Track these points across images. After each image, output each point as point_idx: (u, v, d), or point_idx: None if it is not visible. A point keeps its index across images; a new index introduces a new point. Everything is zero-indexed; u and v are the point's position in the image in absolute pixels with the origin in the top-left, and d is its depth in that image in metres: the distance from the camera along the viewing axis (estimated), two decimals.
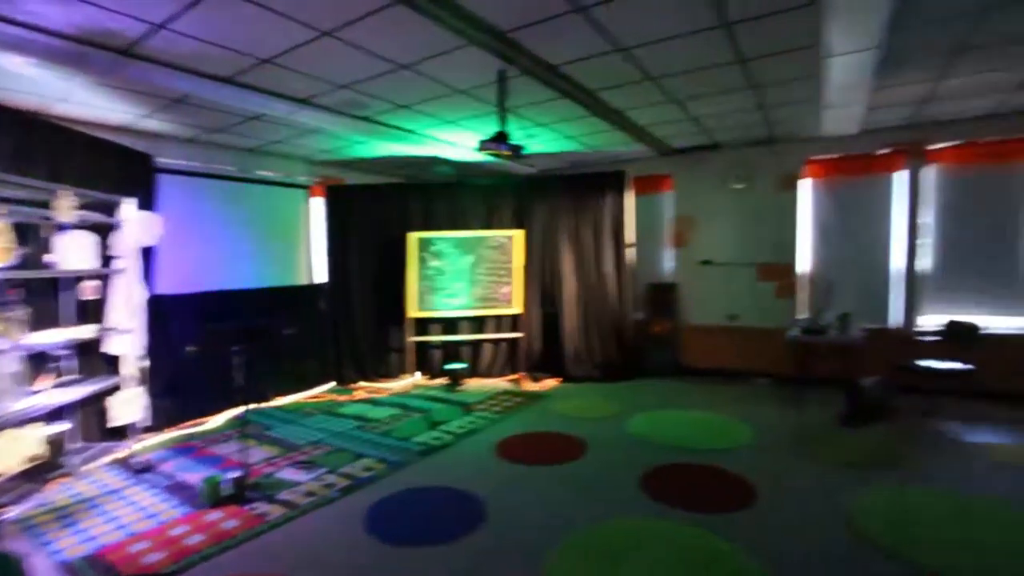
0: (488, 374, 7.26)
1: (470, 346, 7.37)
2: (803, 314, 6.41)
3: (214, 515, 3.44)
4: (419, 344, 7.20)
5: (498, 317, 7.29)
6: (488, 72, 3.97)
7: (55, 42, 3.20)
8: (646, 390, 6.49)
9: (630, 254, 7.18)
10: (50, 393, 3.80)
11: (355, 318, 7.19)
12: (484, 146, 4.46)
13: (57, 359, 4.12)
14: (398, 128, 5.53)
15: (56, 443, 3.96)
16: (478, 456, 4.43)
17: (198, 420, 5.42)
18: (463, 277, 7.03)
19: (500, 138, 4.44)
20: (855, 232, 6.35)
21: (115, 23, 3.11)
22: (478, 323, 7.32)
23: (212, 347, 5.23)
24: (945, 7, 3.22)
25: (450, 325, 7.29)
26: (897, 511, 3.28)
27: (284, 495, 3.72)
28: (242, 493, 3.65)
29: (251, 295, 6.19)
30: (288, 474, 4.10)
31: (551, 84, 4.15)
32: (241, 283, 6.20)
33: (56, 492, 3.76)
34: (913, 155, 5.96)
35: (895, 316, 6.16)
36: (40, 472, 3.72)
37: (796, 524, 3.20)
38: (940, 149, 5.86)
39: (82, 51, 3.33)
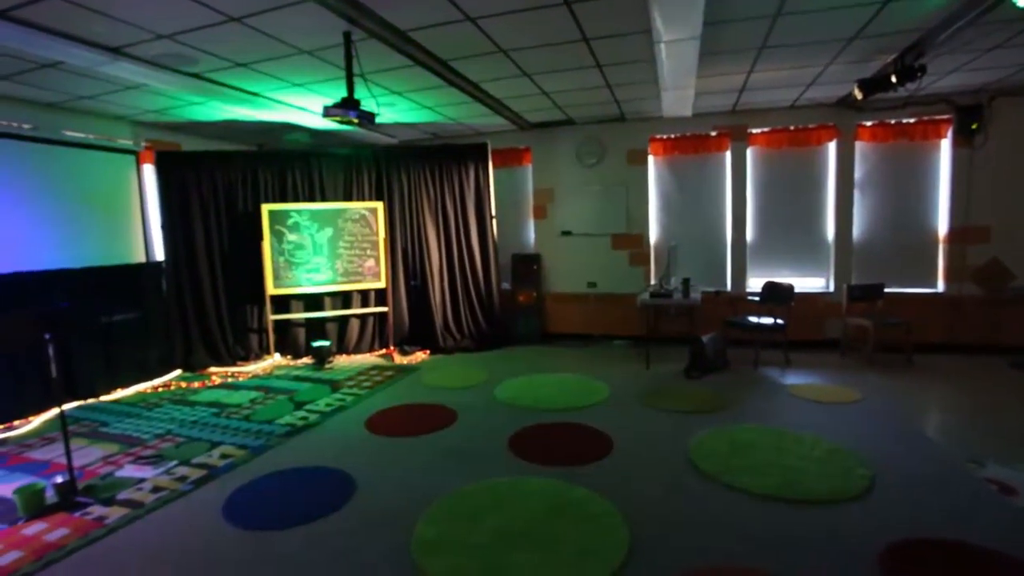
0: (357, 350, 7.09)
1: (336, 323, 7.12)
2: (654, 280, 7.04)
3: (34, 527, 3.04)
4: (281, 323, 6.81)
5: (364, 292, 7.10)
6: (334, 33, 3.77)
7: None
8: (513, 357, 6.75)
9: (494, 226, 7.34)
10: None
11: (204, 298, 6.60)
12: (329, 112, 4.17)
13: None
14: (239, 89, 5.08)
15: None
16: (347, 433, 4.36)
17: (6, 424, 4.71)
18: (323, 251, 6.73)
19: (348, 104, 4.17)
20: (694, 204, 7.09)
21: None
22: (343, 299, 7.07)
23: (13, 338, 4.42)
24: (745, 11, 3.69)
25: (313, 302, 6.97)
26: (722, 445, 3.80)
27: (125, 495, 3.38)
28: (69, 499, 3.26)
29: (64, 276, 5.34)
30: (130, 471, 3.73)
31: (402, 50, 4.03)
32: (52, 263, 5.32)
33: None
34: (737, 137, 6.79)
35: (728, 279, 7.00)
36: None
37: (645, 466, 3.58)
38: (758, 133, 6.72)
39: None
